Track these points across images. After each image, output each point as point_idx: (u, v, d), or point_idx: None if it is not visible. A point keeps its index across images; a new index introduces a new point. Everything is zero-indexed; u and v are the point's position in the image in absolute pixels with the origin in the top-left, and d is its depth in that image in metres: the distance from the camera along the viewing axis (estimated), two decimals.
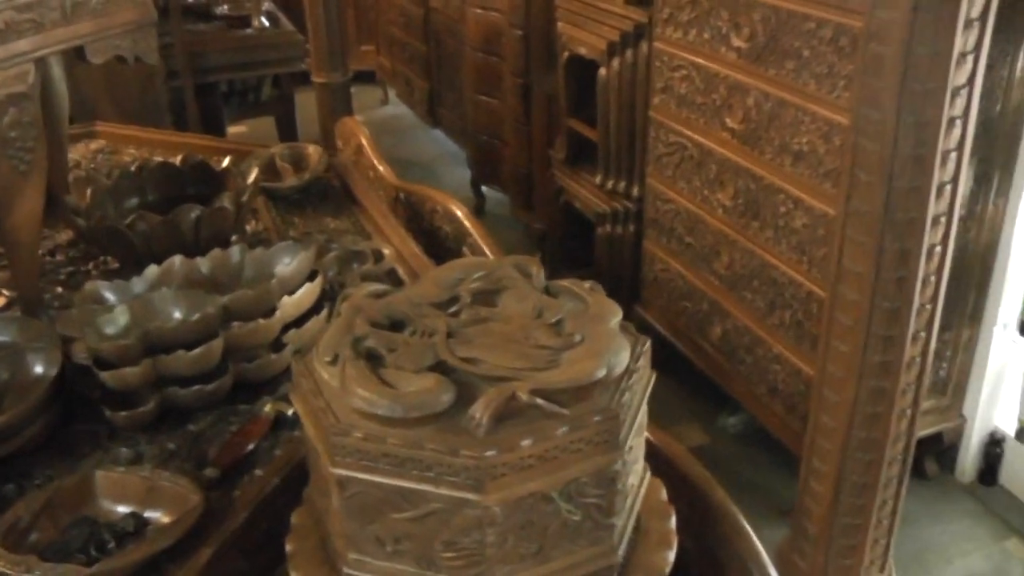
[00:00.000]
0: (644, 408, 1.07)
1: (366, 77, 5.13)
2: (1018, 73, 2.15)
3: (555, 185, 3.28)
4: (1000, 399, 2.61)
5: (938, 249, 0.89)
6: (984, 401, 2.58)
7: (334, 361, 1.03)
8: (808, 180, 2.12)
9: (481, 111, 3.80)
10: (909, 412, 0.94)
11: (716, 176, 2.44)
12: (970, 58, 0.86)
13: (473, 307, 1.09)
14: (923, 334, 0.92)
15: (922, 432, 2.50)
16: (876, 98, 0.81)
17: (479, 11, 3.59)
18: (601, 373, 0.97)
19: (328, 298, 1.56)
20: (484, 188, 4.09)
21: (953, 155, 0.90)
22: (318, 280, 1.51)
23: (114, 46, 1.55)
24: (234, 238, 1.89)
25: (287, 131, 3.95)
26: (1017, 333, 2.50)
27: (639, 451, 1.09)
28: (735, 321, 2.51)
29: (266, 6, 3.92)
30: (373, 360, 1.01)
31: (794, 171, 2.16)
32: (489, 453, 0.91)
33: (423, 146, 4.87)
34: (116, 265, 1.87)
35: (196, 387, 1.38)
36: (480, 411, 0.93)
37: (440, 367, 0.99)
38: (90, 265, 1.90)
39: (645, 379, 1.07)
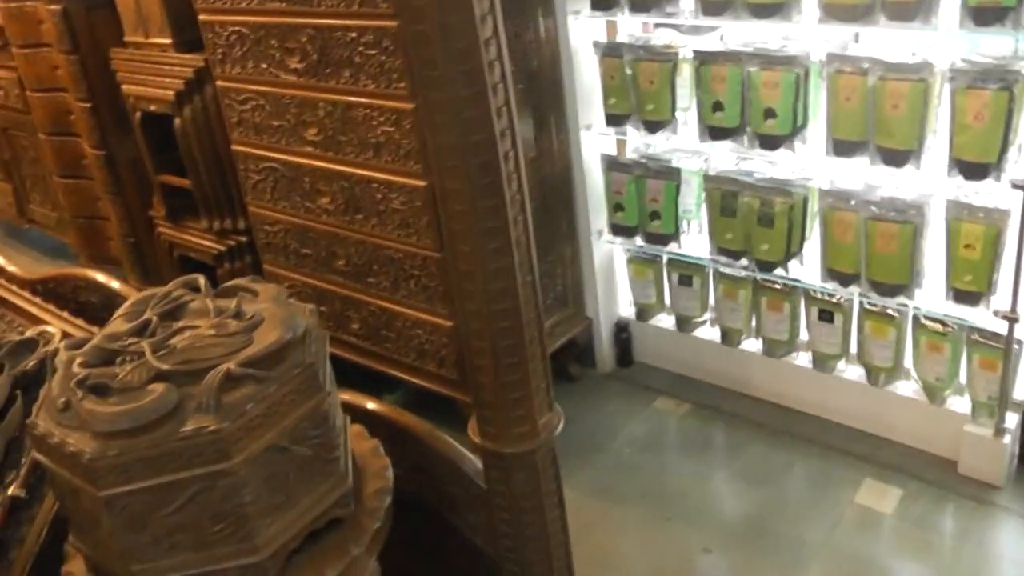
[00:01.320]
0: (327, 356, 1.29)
1: None
2: (542, 34, 2.70)
3: (165, 243, 3.35)
4: (615, 293, 3.14)
5: (515, 176, 1.20)
6: (602, 299, 3.10)
7: (67, 407, 1.14)
8: (393, 164, 2.42)
9: (72, 194, 3.74)
10: (529, 279, 1.24)
11: (311, 187, 2.68)
12: (489, 17, 1.17)
13: (164, 326, 1.25)
14: (520, 217, 1.22)
15: (557, 343, 2.95)
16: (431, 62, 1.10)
17: (41, 95, 3.57)
18: (288, 336, 1.18)
19: (18, 386, 1.61)
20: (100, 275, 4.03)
21: (504, 108, 1.20)
22: (5, 372, 1.56)
23: None
24: None
25: None
26: (610, 235, 3.02)
27: (336, 397, 1.31)
28: (369, 307, 2.77)
29: None
30: (100, 392, 1.15)
31: (378, 161, 2.45)
32: (224, 425, 1.09)
33: (21, 251, 4.64)
34: None
35: None
36: (206, 395, 1.11)
37: (159, 377, 1.15)
38: None
39: (322, 335, 1.29)
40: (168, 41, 2.84)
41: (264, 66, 2.57)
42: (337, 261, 2.77)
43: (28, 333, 1.81)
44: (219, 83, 2.73)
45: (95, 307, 2.11)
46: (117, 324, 1.26)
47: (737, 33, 2.69)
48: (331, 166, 2.58)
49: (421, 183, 2.37)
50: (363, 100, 2.38)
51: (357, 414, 1.53)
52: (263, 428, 1.13)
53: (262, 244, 3.02)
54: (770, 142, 2.59)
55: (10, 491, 1.45)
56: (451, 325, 2.55)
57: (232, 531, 1.15)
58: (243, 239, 3.10)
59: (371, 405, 1.55)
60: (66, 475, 1.13)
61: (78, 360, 1.18)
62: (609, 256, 3.10)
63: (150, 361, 1.16)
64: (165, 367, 1.15)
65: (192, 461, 1.09)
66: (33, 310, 2.05)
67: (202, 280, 1.33)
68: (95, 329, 1.92)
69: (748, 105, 2.58)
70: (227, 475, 1.11)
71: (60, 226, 4.06)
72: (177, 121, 2.83)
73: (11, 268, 2.28)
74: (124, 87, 3.03)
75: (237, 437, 1.11)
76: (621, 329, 3.16)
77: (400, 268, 2.59)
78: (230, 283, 1.34)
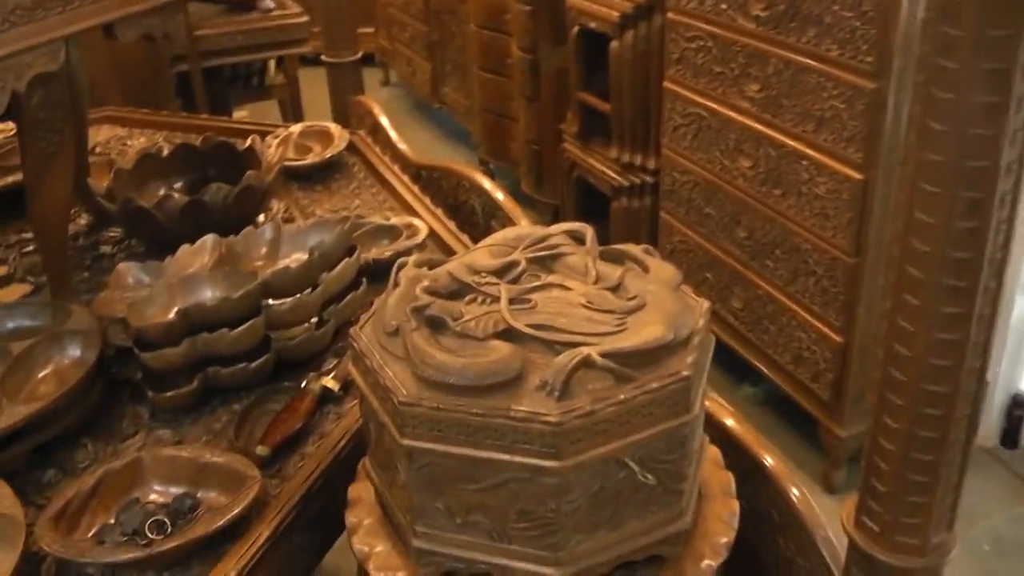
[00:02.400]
0: (706, 372, 1.06)
1: (363, 60, 5.09)
2: None
3: (567, 161, 3.26)
4: (1022, 361, 2.61)
5: (1009, 197, 0.87)
6: (1006, 364, 2.58)
7: (396, 332, 1.01)
8: (831, 145, 2.10)
9: (488, 89, 3.77)
10: (978, 365, 0.93)
11: (735, 145, 2.43)
12: None
13: (532, 274, 1.08)
14: (993, 284, 0.91)
15: None
16: (950, 47, 0.79)
17: None
18: (669, 337, 0.96)
19: (364, 273, 1.54)
20: (492, 166, 4.07)
21: (1020, 134, 0.88)
22: (356, 254, 1.49)
23: (142, 24, 1.52)
24: (260, 218, 1.87)
25: (292, 113, 3.91)
26: None
27: (702, 415, 1.08)
28: (757, 290, 2.50)
29: None
30: (437, 329, 1.00)
31: (817, 137, 2.14)
32: (565, 418, 0.90)
33: (424, 127, 4.84)
34: (141, 248, 1.85)
35: (239, 366, 1.36)
36: (554, 376, 0.92)
37: (506, 334, 0.98)
38: (114, 249, 1.88)
39: (708, 341, 1.06)
40: None
41: (724, 6, 2.32)
42: (739, 231, 2.51)
43: (393, 220, 1.75)
44: (669, 15, 2.53)
45: (471, 211, 2.03)
46: (480, 255, 1.11)
47: None
48: (764, 129, 2.31)
49: (856, 176, 2.04)
50: (820, 66, 2.07)
51: (709, 425, 1.30)
52: (608, 436, 0.93)
53: (666, 190, 2.83)
54: None
55: (324, 381, 1.38)
56: (841, 342, 2.22)
57: (537, 535, 0.96)
58: (648, 179, 2.94)
59: (729, 422, 1.31)
60: (375, 404, 1.00)
61: (424, 283, 1.04)
62: None
63: (503, 313, 0.99)
64: (518, 325, 0.98)
65: (516, 446, 0.92)
66: (407, 197, 2.00)
67: (589, 234, 1.14)
68: (464, 238, 1.82)
69: None
70: (552, 474, 0.92)
71: (468, 115, 4.13)
72: (615, 44, 2.67)
73: (401, 146, 2.25)
74: None
75: (576, 438, 0.91)
76: (1017, 404, 2.64)
77: (803, 260, 2.28)
78: (622, 247, 1.14)
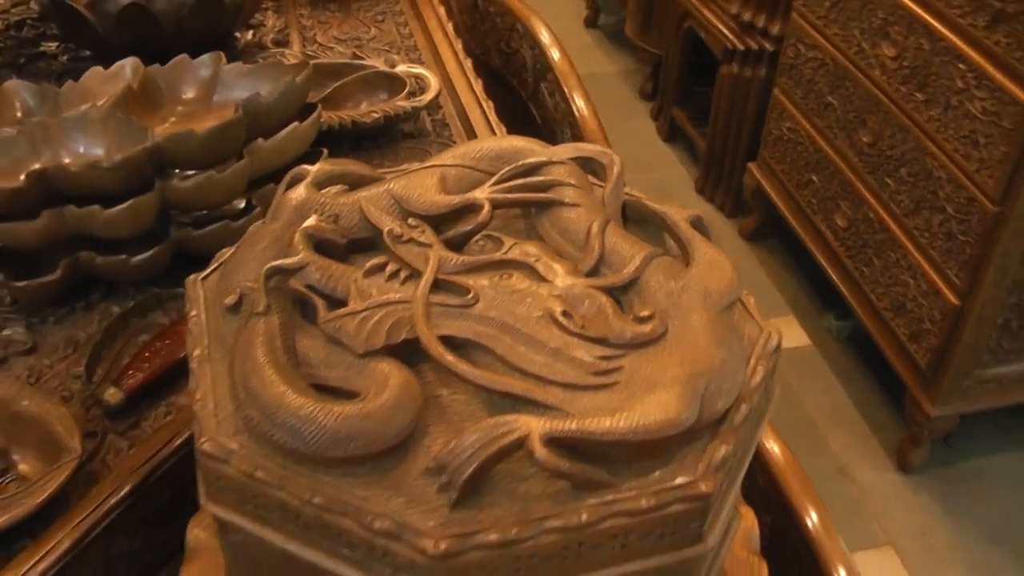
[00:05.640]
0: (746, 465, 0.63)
1: None
2: None
3: (681, 8, 2.73)
4: None
5: None
6: None
7: (236, 306, 0.60)
8: (1004, 50, 1.58)
9: None
10: None
11: (882, 25, 1.90)
12: None
13: (492, 236, 0.65)
14: None
15: None
16: None
17: None
18: (688, 419, 0.53)
19: (335, 140, 1.13)
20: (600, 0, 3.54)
21: None
22: (312, 118, 1.06)
23: None
24: (237, 36, 1.45)
25: None
26: None
27: (730, 537, 0.67)
28: (869, 211, 2.02)
29: None
30: (307, 315, 0.59)
31: (988, 35, 1.61)
32: (459, 547, 0.49)
33: None
34: (87, 54, 1.45)
35: (119, 257, 0.97)
36: (455, 460, 0.50)
37: (406, 350, 0.57)
38: (58, 48, 1.48)
39: (761, 411, 0.62)
40: None
41: None
42: (863, 134, 2.00)
43: (399, 68, 1.31)
44: None
45: (521, 65, 1.58)
46: (428, 179, 0.66)
47: None
48: (920, 12, 1.77)
49: None
50: None
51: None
52: None
53: (786, 63, 2.31)
54: None
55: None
56: (956, 304, 1.75)
57: None
58: (768, 47, 2.43)
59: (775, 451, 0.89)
60: (197, 408, 0.61)
61: (312, 222, 0.62)
62: None
63: (414, 310, 0.57)
64: (429, 344, 0.56)
65: (371, 566, 0.52)
66: (437, 36, 1.55)
67: (615, 171, 0.69)
68: (489, 109, 1.39)
69: None
70: None
71: None
72: None
73: None
74: None
75: None
76: None
77: (933, 191, 1.79)
78: (662, 209, 0.69)
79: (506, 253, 0.63)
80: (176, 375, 0.93)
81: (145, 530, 0.84)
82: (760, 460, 0.93)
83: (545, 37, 1.55)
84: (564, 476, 0.51)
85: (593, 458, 0.51)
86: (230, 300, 0.60)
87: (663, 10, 3.00)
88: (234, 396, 0.55)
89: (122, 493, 0.80)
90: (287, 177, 0.69)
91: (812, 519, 0.90)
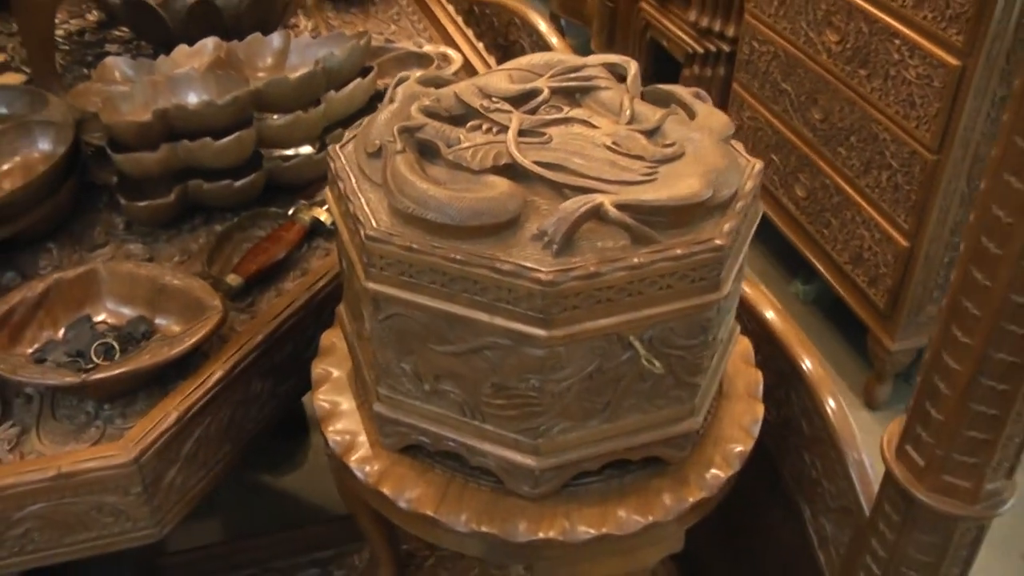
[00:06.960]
0: (746, 248, 0.87)
1: None
2: None
3: (641, 21, 3.01)
4: None
5: None
6: None
7: (378, 153, 0.84)
8: (930, 24, 1.85)
9: None
10: None
11: (825, 16, 2.17)
12: None
13: (554, 106, 0.89)
14: None
15: None
16: None
17: None
18: (707, 194, 0.77)
19: (380, 100, 1.36)
20: (563, 22, 3.80)
21: None
22: (371, 76, 1.31)
23: None
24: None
25: None
26: None
27: (735, 299, 0.90)
28: (825, 179, 2.28)
29: None
30: (426, 155, 0.83)
31: (916, 13, 1.89)
32: (560, 278, 0.73)
33: None
34: (150, 51, 1.68)
35: (224, 182, 1.20)
36: (555, 225, 0.74)
37: (508, 170, 0.80)
38: (121, 49, 1.71)
39: (754, 211, 0.87)
40: None
41: None
42: (815, 113, 2.27)
43: (426, 48, 1.55)
44: None
45: (520, 53, 1.82)
46: (497, 78, 0.92)
47: None
48: (858, 0, 2.05)
49: (953, 62, 1.80)
50: None
51: (744, 314, 1.12)
52: (613, 307, 0.75)
53: (742, 60, 2.58)
54: None
55: (316, 211, 1.22)
56: (906, 246, 2.01)
57: (515, 415, 0.81)
58: (725, 48, 2.70)
59: (769, 314, 1.13)
60: (345, 236, 0.84)
61: (423, 102, 0.86)
62: None
63: (509, 146, 0.81)
64: (523, 161, 0.80)
65: (499, 305, 0.75)
66: (450, 28, 1.78)
67: (633, 67, 0.94)
68: None
69: None
70: (538, 345, 0.75)
71: None
72: None
73: None
74: None
75: (572, 305, 0.74)
76: None
77: (879, 152, 2.05)
78: (669, 87, 0.95)
79: (567, 114, 0.87)
80: (279, 269, 1.15)
81: (273, 376, 1.06)
82: (763, 324, 1.16)
83: (543, 26, 1.80)
84: (628, 229, 0.74)
85: (645, 221, 0.75)
86: (371, 148, 0.84)
87: (626, 23, 3.27)
88: (389, 199, 0.78)
89: (258, 339, 1.03)
90: (396, 79, 0.93)
91: (806, 363, 1.11)
